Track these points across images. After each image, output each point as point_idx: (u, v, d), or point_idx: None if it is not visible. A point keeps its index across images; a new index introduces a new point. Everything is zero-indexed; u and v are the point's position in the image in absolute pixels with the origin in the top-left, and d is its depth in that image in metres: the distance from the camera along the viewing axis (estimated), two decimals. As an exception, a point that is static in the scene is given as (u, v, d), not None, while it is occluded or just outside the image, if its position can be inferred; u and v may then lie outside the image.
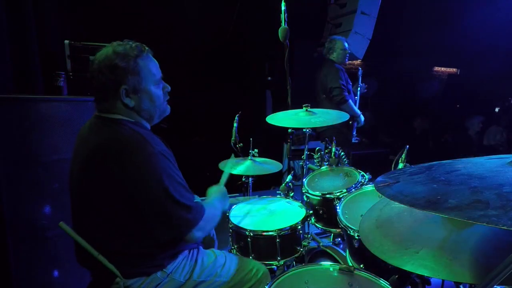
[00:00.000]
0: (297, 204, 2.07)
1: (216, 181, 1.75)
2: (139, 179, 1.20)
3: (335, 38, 3.77)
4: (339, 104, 3.57)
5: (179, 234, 1.28)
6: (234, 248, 1.88)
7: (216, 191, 1.63)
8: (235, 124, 2.49)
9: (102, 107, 1.32)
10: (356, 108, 3.74)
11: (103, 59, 1.26)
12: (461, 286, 1.35)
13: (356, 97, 3.90)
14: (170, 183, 1.22)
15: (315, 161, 2.44)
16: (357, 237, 1.53)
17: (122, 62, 1.25)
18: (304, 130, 2.29)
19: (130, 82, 1.27)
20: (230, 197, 1.76)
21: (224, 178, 1.78)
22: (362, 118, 3.80)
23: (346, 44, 3.75)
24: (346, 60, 3.79)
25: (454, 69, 8.46)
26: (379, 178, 0.97)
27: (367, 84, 4.11)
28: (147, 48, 1.35)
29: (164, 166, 1.23)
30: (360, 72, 4.00)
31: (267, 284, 1.27)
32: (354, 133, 3.76)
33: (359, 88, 3.99)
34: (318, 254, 2.01)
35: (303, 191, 2.11)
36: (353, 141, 3.74)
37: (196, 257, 1.47)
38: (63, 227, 1.28)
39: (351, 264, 1.60)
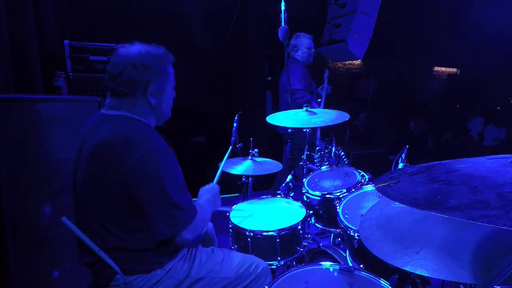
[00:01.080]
0: (297, 204, 2.07)
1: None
2: (137, 176, 1.21)
3: (300, 35, 3.52)
4: (301, 106, 3.41)
5: (171, 233, 1.28)
6: (234, 248, 1.88)
7: (207, 191, 1.63)
8: (235, 124, 2.49)
9: (114, 103, 1.35)
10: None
11: (136, 56, 1.30)
12: (461, 286, 1.35)
13: (319, 100, 3.70)
14: (167, 182, 1.23)
15: (315, 161, 2.44)
16: (357, 237, 1.53)
17: (158, 63, 1.33)
18: (304, 130, 2.29)
19: (159, 81, 1.35)
20: (230, 197, 1.76)
21: (218, 175, 1.78)
22: None
23: (312, 43, 3.55)
24: (311, 60, 3.59)
25: (454, 69, 8.47)
26: (379, 178, 0.97)
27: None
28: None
29: (163, 165, 1.24)
30: (326, 74, 3.84)
31: (267, 280, 1.27)
32: (318, 135, 3.52)
33: (324, 90, 3.77)
34: (318, 254, 2.00)
35: (303, 191, 2.11)
36: (317, 144, 3.42)
37: (194, 255, 1.49)
38: (66, 223, 1.28)
39: (351, 264, 1.60)
